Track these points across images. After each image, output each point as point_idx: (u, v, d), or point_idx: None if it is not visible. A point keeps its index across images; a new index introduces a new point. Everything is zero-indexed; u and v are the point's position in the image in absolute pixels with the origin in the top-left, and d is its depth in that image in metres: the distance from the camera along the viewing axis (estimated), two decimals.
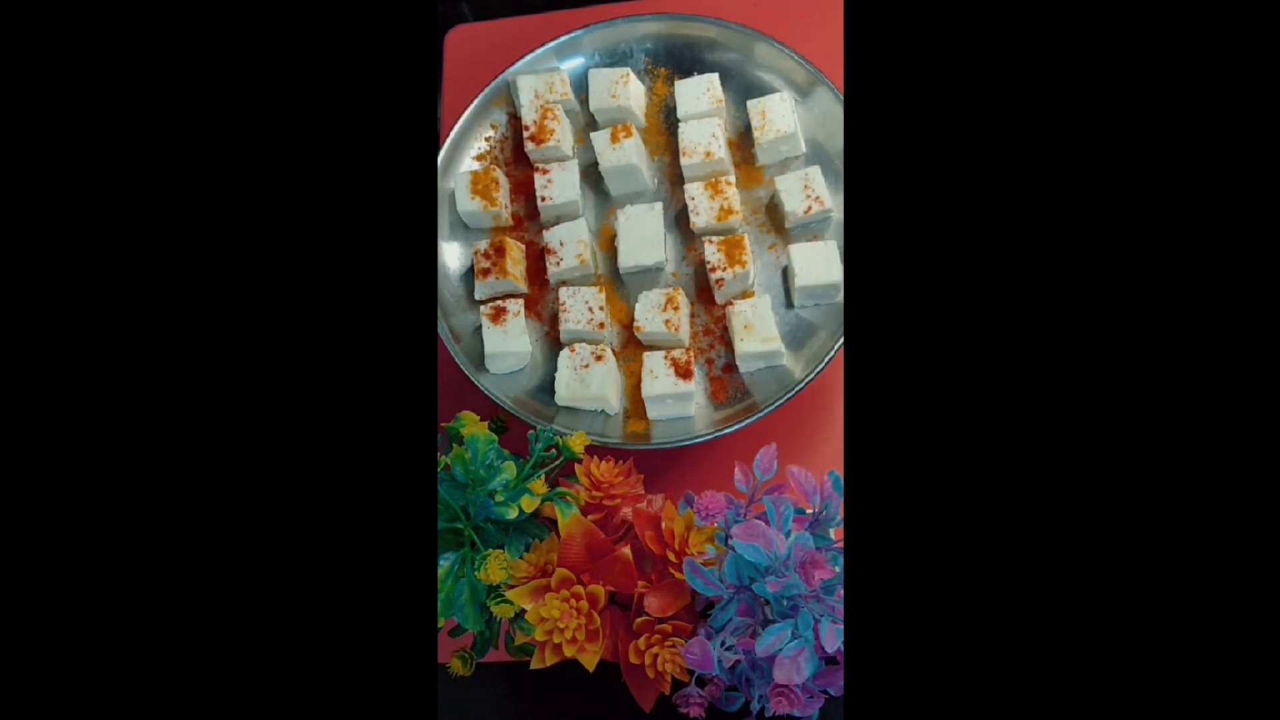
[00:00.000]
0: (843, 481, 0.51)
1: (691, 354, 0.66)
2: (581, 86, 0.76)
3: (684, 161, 0.70)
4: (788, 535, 0.48)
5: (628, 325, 0.69)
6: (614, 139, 0.71)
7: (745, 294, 0.68)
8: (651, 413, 0.66)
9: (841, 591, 0.47)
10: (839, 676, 0.48)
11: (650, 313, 0.67)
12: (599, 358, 0.66)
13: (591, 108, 0.73)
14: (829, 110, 0.70)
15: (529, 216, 0.74)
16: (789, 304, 0.68)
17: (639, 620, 0.53)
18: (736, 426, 0.63)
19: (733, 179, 0.70)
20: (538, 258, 0.73)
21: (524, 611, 0.51)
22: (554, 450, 0.56)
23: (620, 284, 0.71)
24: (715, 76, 0.72)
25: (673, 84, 0.74)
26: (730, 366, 0.67)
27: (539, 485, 0.54)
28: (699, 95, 0.72)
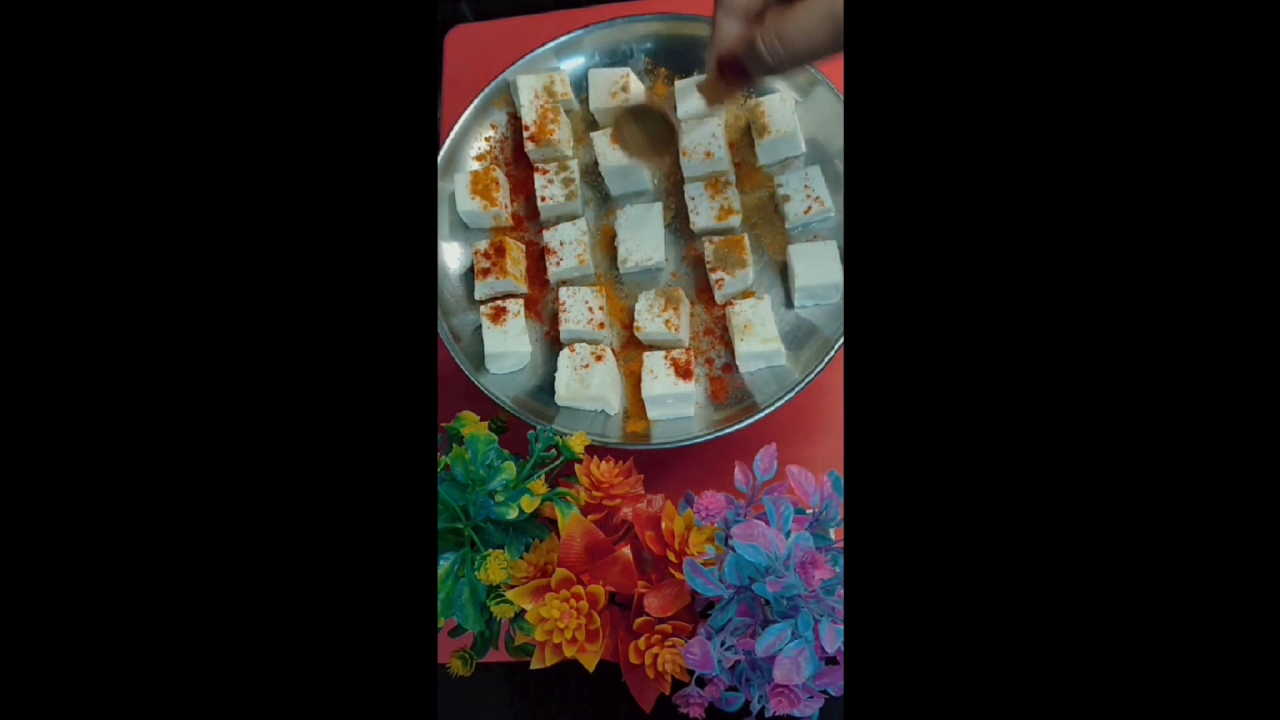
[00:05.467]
0: (843, 481, 0.51)
1: (691, 354, 0.66)
2: (581, 86, 0.76)
3: (684, 161, 0.70)
4: (788, 535, 0.48)
5: (628, 325, 0.69)
6: (614, 139, 0.71)
7: (745, 294, 0.68)
8: (651, 413, 0.66)
9: (841, 591, 0.47)
10: (839, 676, 0.48)
11: (650, 313, 0.67)
12: (599, 358, 0.66)
13: (591, 108, 0.73)
14: (829, 110, 0.70)
15: (529, 216, 0.74)
16: (789, 304, 0.68)
17: (639, 620, 0.53)
18: (736, 426, 0.63)
19: (733, 179, 0.70)
20: (538, 258, 0.73)
21: (524, 611, 0.51)
22: (554, 450, 0.56)
23: (620, 284, 0.71)
24: None
25: (673, 84, 0.74)
26: (730, 366, 0.67)
27: (539, 485, 0.54)
28: (699, 95, 0.72)
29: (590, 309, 0.68)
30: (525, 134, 0.73)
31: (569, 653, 0.51)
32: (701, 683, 0.52)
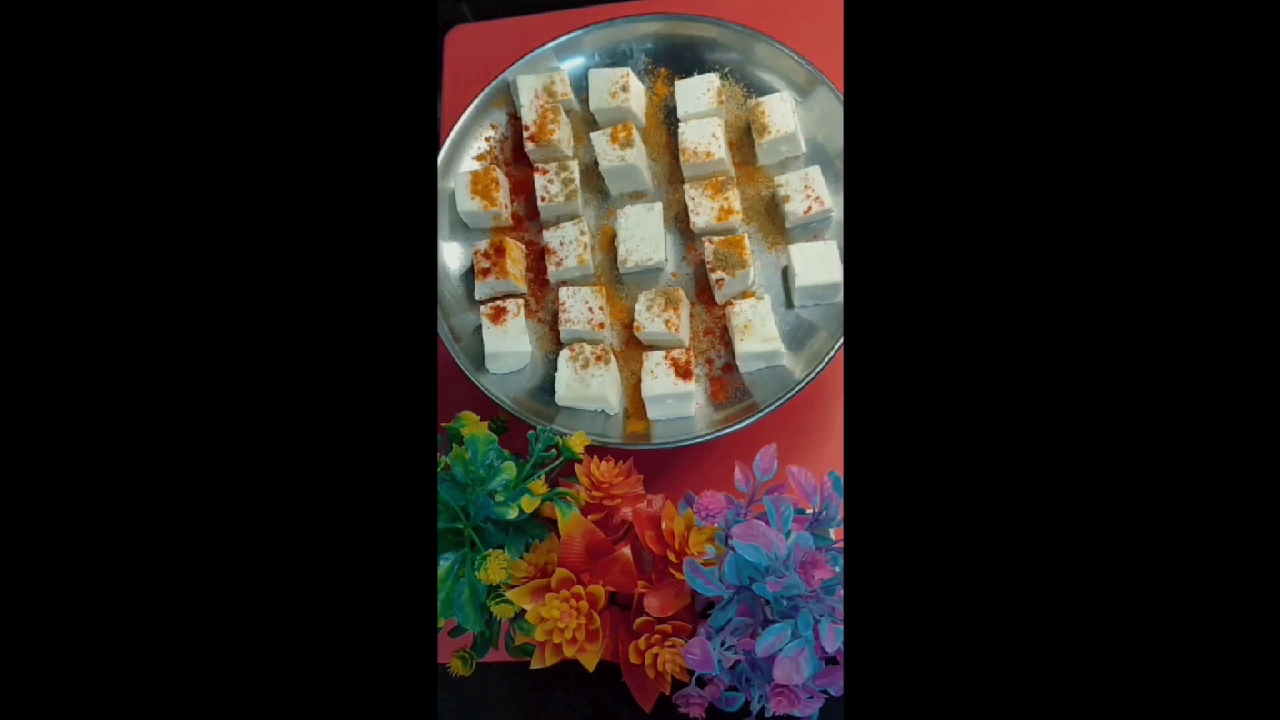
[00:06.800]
0: (843, 481, 0.51)
1: (691, 354, 0.66)
2: (581, 86, 0.76)
3: (684, 161, 0.70)
4: (788, 535, 0.48)
5: (628, 325, 0.69)
6: (614, 139, 0.71)
7: (745, 294, 0.68)
8: (651, 413, 0.66)
9: (841, 591, 0.47)
10: (839, 676, 0.48)
11: (650, 313, 0.67)
12: (599, 358, 0.66)
13: (591, 108, 0.73)
14: (829, 110, 0.70)
15: (529, 216, 0.74)
16: (789, 304, 0.68)
17: (639, 620, 0.53)
18: (736, 426, 0.63)
19: (733, 179, 0.70)
20: (538, 258, 0.73)
21: (524, 611, 0.51)
22: (554, 450, 0.56)
23: (620, 284, 0.71)
24: (715, 76, 0.72)
25: (673, 84, 0.74)
26: (730, 366, 0.67)
27: (539, 485, 0.54)
28: (699, 95, 0.72)
29: (590, 309, 0.68)
30: (525, 134, 0.73)
31: (569, 653, 0.51)
32: (701, 683, 0.52)
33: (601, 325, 0.68)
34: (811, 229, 0.70)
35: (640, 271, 0.71)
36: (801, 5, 0.81)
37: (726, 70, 0.74)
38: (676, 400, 0.65)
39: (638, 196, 0.73)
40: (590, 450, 0.57)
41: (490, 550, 0.51)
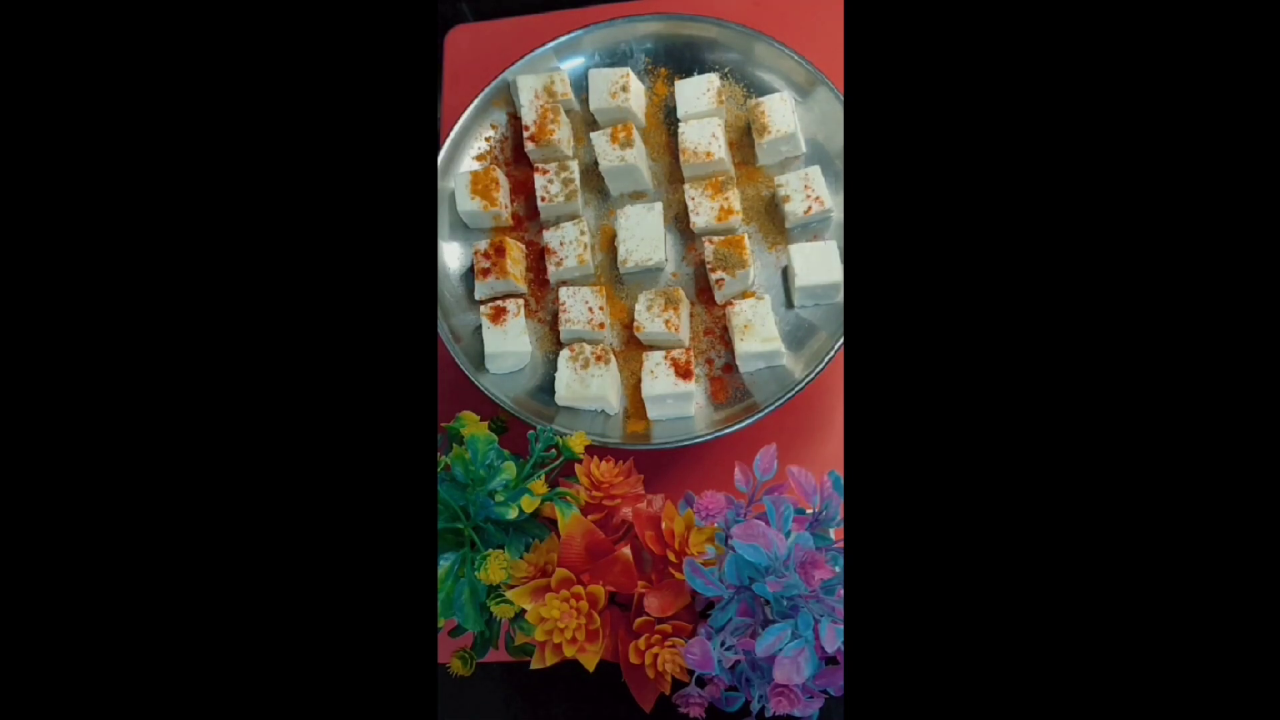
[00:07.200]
0: (843, 481, 0.51)
1: (691, 354, 0.66)
2: (581, 86, 0.76)
3: (684, 161, 0.70)
4: (788, 535, 0.48)
5: (628, 325, 0.69)
6: (614, 139, 0.71)
7: (745, 294, 0.68)
8: (651, 413, 0.66)
9: (841, 591, 0.47)
10: (839, 676, 0.48)
11: (650, 313, 0.67)
12: (599, 358, 0.66)
13: (591, 108, 0.73)
14: (829, 110, 0.70)
15: (529, 216, 0.74)
16: (789, 304, 0.68)
17: (639, 620, 0.53)
18: (736, 426, 0.63)
19: (733, 179, 0.70)
20: (538, 258, 0.73)
21: (524, 611, 0.51)
22: (554, 450, 0.56)
23: (620, 284, 0.71)
24: (715, 76, 0.72)
25: (673, 84, 0.74)
26: (730, 366, 0.67)
27: (539, 485, 0.54)
28: (699, 95, 0.72)
29: (590, 309, 0.68)
30: (525, 134, 0.73)
31: (569, 653, 0.51)
32: (701, 683, 0.52)
33: (601, 325, 0.68)
34: (811, 229, 0.70)
35: (640, 271, 0.71)
36: (801, 5, 0.81)
37: (726, 70, 0.74)
38: (676, 400, 0.65)
39: (638, 196, 0.73)
40: (590, 450, 0.57)
41: (490, 550, 0.51)
